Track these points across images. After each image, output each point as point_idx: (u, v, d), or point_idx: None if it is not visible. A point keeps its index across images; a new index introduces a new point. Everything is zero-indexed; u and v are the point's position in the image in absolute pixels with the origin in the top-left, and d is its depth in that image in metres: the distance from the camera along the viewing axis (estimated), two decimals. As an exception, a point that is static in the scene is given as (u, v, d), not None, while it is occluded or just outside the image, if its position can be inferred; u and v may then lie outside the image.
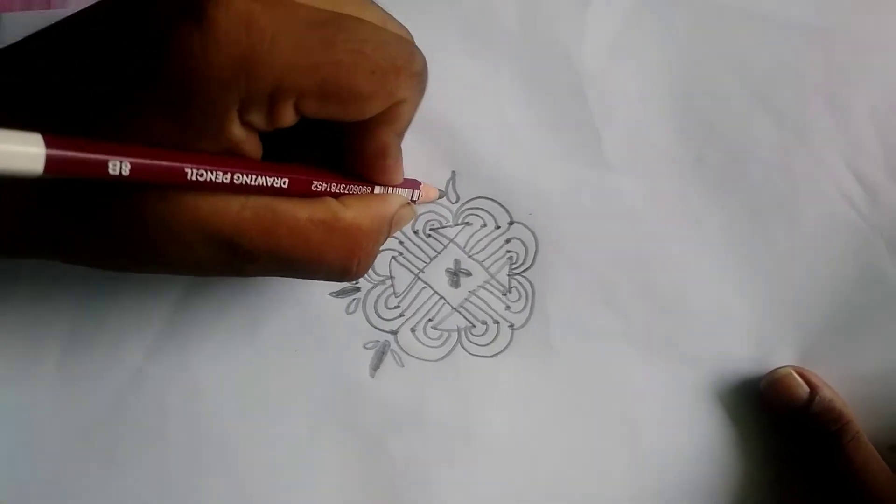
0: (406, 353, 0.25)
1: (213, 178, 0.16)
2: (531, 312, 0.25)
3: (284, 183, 0.17)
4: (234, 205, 0.17)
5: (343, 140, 0.19)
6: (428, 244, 0.25)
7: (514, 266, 0.25)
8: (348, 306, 0.25)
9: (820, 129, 0.25)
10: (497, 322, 0.25)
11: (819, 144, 0.25)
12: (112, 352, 0.24)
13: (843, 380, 0.25)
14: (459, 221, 0.25)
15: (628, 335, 0.25)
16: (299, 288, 0.24)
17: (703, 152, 0.25)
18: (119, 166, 0.14)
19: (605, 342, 0.25)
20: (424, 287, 0.25)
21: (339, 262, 0.18)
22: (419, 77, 0.18)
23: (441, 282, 0.25)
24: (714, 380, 0.25)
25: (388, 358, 0.25)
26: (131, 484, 0.23)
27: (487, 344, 0.25)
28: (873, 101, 0.25)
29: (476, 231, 0.25)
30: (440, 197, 0.25)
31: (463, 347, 0.25)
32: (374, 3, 0.19)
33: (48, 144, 0.13)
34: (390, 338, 0.25)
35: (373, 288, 0.25)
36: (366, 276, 0.24)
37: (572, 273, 0.25)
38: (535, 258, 0.25)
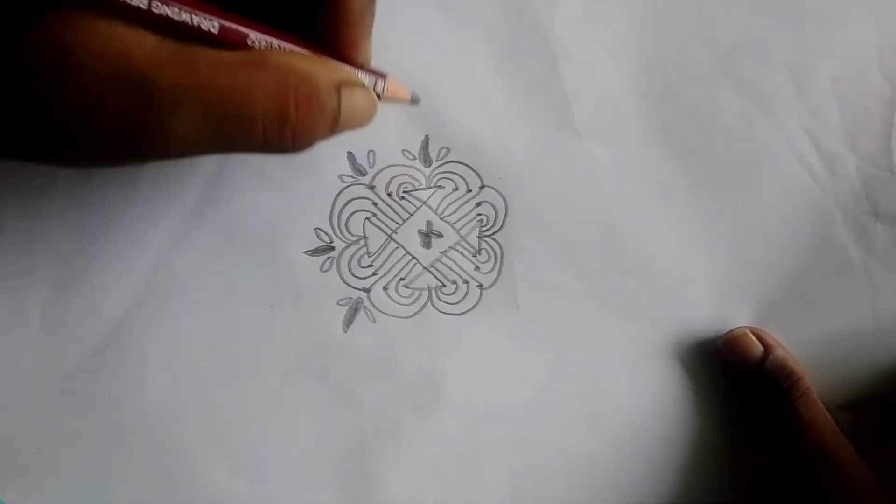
0: (378, 309, 0.26)
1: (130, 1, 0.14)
2: (499, 273, 0.26)
3: (214, 27, 0.15)
4: (150, 41, 0.15)
5: (311, 13, 0.18)
6: (401, 206, 0.26)
7: (484, 228, 0.26)
8: (322, 264, 0.25)
9: (782, 100, 0.26)
10: (466, 282, 0.26)
11: (781, 114, 0.26)
12: (93, 304, 0.24)
13: (796, 341, 0.26)
14: (432, 184, 0.26)
15: (592, 295, 0.26)
16: (277, 247, 0.25)
17: (669, 121, 0.26)
18: None
19: (569, 302, 0.26)
20: (397, 247, 0.26)
21: (272, 104, 0.16)
22: None
23: (413, 242, 0.26)
24: (674, 339, 0.26)
25: (361, 314, 0.26)
26: (110, 428, 0.24)
27: (457, 302, 0.26)
28: (835, 72, 0.26)
29: (448, 194, 0.26)
30: (413, 102, 0.22)
31: (433, 305, 0.26)
32: None
33: None
34: (363, 295, 0.26)
35: (347, 247, 0.26)
36: (340, 235, 0.25)
37: (540, 236, 0.26)
38: (504, 221, 0.26)
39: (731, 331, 0.26)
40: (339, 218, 0.25)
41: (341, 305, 0.26)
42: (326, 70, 0.18)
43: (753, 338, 0.25)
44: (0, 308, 0.25)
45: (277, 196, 0.25)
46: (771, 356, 0.25)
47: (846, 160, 0.26)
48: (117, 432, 0.24)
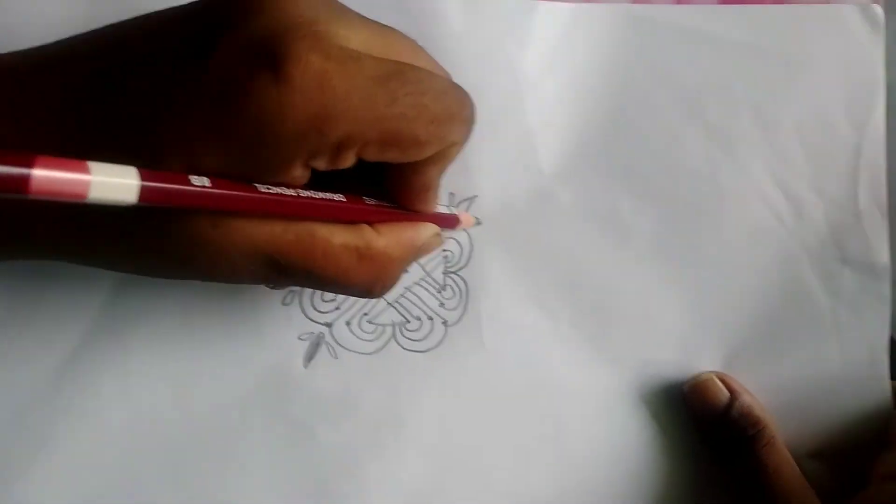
0: (340, 345, 0.25)
1: (269, 210, 0.17)
2: (465, 310, 0.26)
3: (328, 210, 0.19)
4: (278, 228, 0.18)
5: (387, 172, 0.20)
6: (366, 241, 0.26)
7: (449, 265, 0.26)
8: (284, 297, 0.25)
9: (747, 143, 0.26)
10: (431, 318, 0.26)
11: (746, 157, 0.26)
12: (46, 336, 0.24)
13: (763, 387, 0.26)
14: (397, 220, 0.26)
15: (557, 335, 0.26)
16: (239, 279, 0.25)
17: (633, 162, 0.26)
18: (201, 190, 0.16)
19: (534, 341, 0.26)
20: (361, 282, 0.26)
21: (364, 285, 0.20)
22: (470, 122, 0.20)
23: (377, 278, 0.26)
24: (639, 382, 0.26)
25: (322, 350, 0.25)
26: (65, 465, 0.24)
27: (421, 339, 0.26)
28: (800, 117, 0.26)
29: (413, 230, 0.26)
30: (477, 224, 0.26)
31: (397, 342, 0.26)
32: (422, 48, 0.20)
33: (142, 177, 0.14)
34: (325, 330, 0.25)
35: (310, 281, 0.25)
36: (303, 269, 0.25)
37: (505, 273, 0.26)
38: (469, 258, 0.26)
39: (697, 376, 0.25)
40: (303, 252, 0.25)
41: (302, 340, 0.25)
42: (414, 242, 0.21)
43: (720, 383, 0.25)
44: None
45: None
46: (737, 402, 0.25)
47: (813, 204, 0.26)
48: (71, 470, 0.24)
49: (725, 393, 0.25)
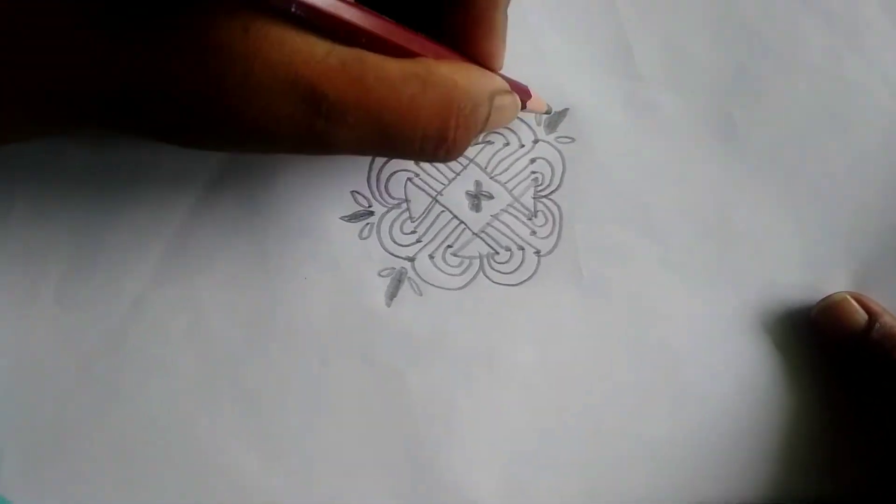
0: (424, 280, 0.23)
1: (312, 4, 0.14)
2: (559, 238, 0.23)
3: (380, 29, 0.15)
4: (320, 49, 0.15)
5: (444, 16, 0.18)
6: (446, 164, 0.23)
7: (539, 188, 0.23)
8: (361, 231, 0.23)
9: (875, 32, 0.23)
10: (522, 248, 0.23)
11: (874, 49, 0.23)
12: (112, 279, 0.22)
13: (904, 307, 0.23)
14: (480, 139, 0.23)
15: (665, 261, 0.23)
16: (310, 213, 0.23)
17: (745, 61, 0.23)
18: None
19: (639, 269, 0.23)
20: (443, 211, 0.23)
21: (436, 122, 0.16)
22: None
23: (461, 205, 0.23)
24: (760, 308, 0.23)
25: (405, 286, 0.23)
26: (134, 417, 0.22)
27: (512, 272, 0.23)
28: (935, 1, 0.23)
29: (498, 150, 0.23)
30: (546, 112, 0.22)
31: (485, 275, 0.23)
32: None
33: None
34: (407, 265, 0.23)
35: (387, 212, 0.23)
36: (379, 198, 0.23)
37: (603, 195, 0.23)
38: (562, 179, 0.23)
39: (828, 297, 0.23)
40: (377, 179, 0.23)
41: (383, 277, 0.23)
42: (483, 82, 0.18)
43: (855, 304, 0.22)
44: (12, 288, 0.22)
45: (308, 157, 0.22)
46: (878, 324, 0.22)
47: (952, 99, 0.23)
48: (141, 420, 0.22)
49: (863, 314, 0.22)
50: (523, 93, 0.21)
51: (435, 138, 0.17)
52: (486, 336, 0.23)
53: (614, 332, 0.23)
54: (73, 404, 0.22)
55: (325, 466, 0.22)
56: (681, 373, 0.23)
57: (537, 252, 0.23)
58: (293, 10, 0.14)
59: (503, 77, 0.20)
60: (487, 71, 0.19)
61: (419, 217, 0.23)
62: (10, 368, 0.22)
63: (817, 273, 0.23)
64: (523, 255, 0.23)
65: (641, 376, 0.23)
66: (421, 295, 0.23)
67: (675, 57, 0.23)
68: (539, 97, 0.22)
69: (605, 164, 0.23)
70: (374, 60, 0.15)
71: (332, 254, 0.23)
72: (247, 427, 0.22)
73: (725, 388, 0.23)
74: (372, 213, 0.23)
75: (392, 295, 0.23)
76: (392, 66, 0.16)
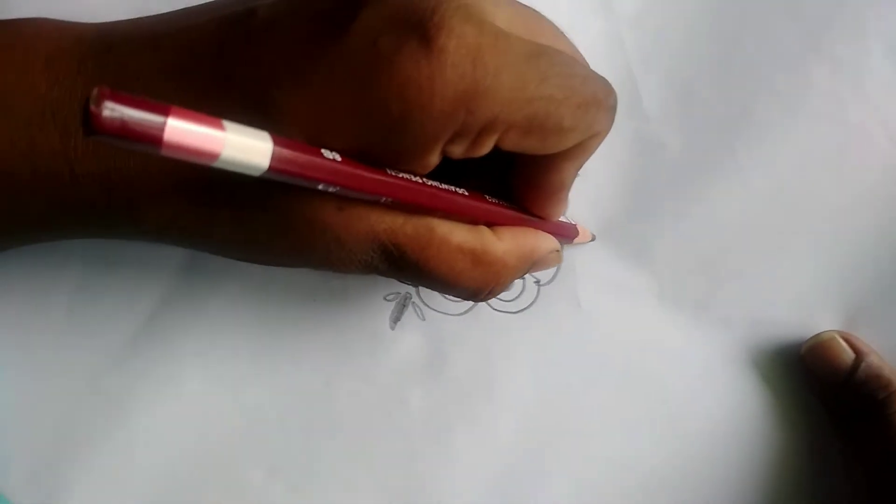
0: (428, 306, 0.24)
1: (398, 196, 0.16)
2: (558, 268, 0.24)
3: (446, 205, 0.17)
4: (399, 219, 0.17)
5: (517, 167, 0.19)
6: (453, 194, 0.24)
7: (542, 219, 0.24)
8: (369, 256, 0.24)
9: (879, 80, 0.23)
10: (522, 277, 0.24)
11: (877, 95, 0.23)
12: (124, 296, 0.23)
13: (891, 348, 0.23)
14: (487, 170, 0.24)
15: (660, 294, 0.24)
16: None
17: (749, 103, 0.23)
18: (334, 165, 0.14)
19: (635, 301, 0.24)
20: (448, 239, 0.24)
21: (473, 290, 0.19)
22: (613, 111, 0.18)
23: (466, 234, 0.24)
24: (751, 343, 0.24)
25: (409, 311, 0.24)
26: (141, 433, 0.23)
27: (512, 300, 0.24)
28: (939, 50, 0.23)
29: (504, 181, 0.24)
30: (591, 240, 0.24)
31: (486, 303, 0.24)
32: (562, 32, 0.19)
33: (275, 143, 0.13)
34: (412, 290, 0.24)
35: (394, 238, 0.24)
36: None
37: (603, 227, 0.24)
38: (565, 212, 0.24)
39: (817, 335, 0.23)
40: (386, 206, 0.24)
41: (388, 301, 0.24)
42: (534, 251, 0.20)
43: (843, 343, 0.23)
44: (24, 302, 0.23)
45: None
46: (864, 364, 0.22)
47: (950, 147, 0.23)
48: (148, 433, 0.23)
49: (850, 353, 0.23)
50: (572, 234, 0.22)
51: (469, 294, 0.19)
52: (486, 361, 0.24)
53: (609, 362, 0.24)
54: (81, 415, 0.23)
55: (325, 483, 0.23)
56: (672, 405, 0.24)
57: (537, 281, 0.24)
58: (382, 201, 0.16)
59: (556, 225, 0.21)
60: (542, 234, 0.20)
61: (425, 244, 0.24)
62: (20, 378, 0.23)
63: (807, 311, 0.24)
64: (524, 283, 0.24)
65: (634, 407, 0.24)
66: (424, 319, 0.24)
67: (680, 97, 0.24)
68: (585, 230, 0.23)
69: (608, 198, 0.24)
70: (440, 230, 0.18)
71: (341, 278, 0.23)
72: (252, 440, 0.23)
73: (715, 422, 0.24)
74: (379, 239, 0.24)
75: (396, 318, 0.24)
76: (454, 239, 0.18)
